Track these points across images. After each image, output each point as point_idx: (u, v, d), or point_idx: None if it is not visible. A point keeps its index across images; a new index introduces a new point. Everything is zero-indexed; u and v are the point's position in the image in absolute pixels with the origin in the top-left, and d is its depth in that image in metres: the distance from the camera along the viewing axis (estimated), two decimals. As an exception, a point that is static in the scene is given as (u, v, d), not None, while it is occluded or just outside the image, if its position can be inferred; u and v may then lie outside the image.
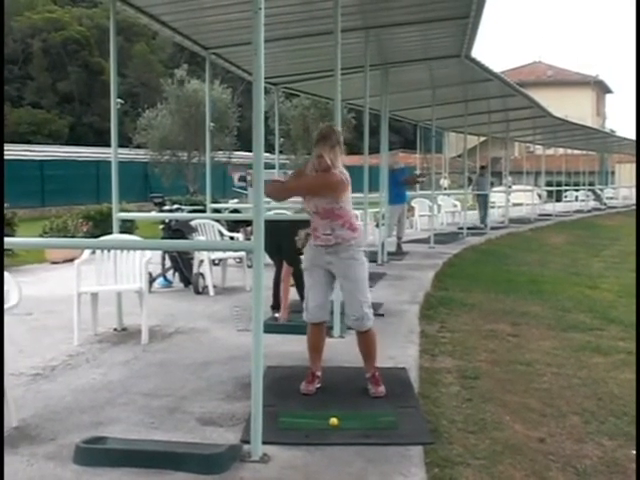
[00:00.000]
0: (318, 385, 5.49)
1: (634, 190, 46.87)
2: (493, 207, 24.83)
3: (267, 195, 5.23)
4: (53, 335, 7.42)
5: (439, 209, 22.30)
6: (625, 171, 51.84)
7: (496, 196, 26.19)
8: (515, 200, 29.83)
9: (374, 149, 15.14)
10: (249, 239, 10.24)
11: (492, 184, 23.93)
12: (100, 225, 14.85)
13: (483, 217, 21.78)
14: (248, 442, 4.27)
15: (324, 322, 5.69)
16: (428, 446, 4.45)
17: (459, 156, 34.29)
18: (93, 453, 4.24)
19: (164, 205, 11.45)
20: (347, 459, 4.21)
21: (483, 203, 21.97)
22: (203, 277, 10.03)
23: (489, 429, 4.87)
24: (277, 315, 8.03)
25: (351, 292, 5.46)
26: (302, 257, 5.70)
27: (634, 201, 43.80)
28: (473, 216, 22.09)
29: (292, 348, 6.65)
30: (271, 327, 6.79)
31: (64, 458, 4.21)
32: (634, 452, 4.65)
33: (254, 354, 4.25)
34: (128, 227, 14.59)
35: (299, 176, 5.66)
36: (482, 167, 23.22)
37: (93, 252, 7.53)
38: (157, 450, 4.28)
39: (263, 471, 4.05)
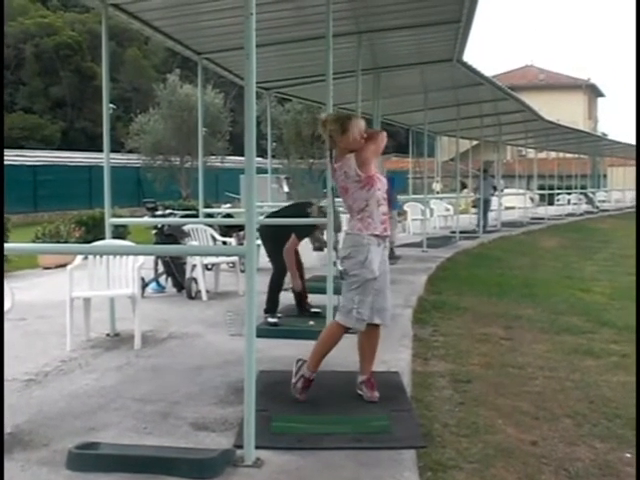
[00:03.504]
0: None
1: (626, 193, 47.15)
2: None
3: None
4: (46, 340, 7.41)
5: (432, 213, 22.34)
6: (617, 174, 52.04)
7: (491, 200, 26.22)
8: (508, 204, 29.88)
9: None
10: (242, 244, 10.24)
11: (495, 188, 23.77)
12: (93, 230, 14.83)
13: (485, 221, 21.74)
14: (241, 447, 4.27)
15: None
16: (421, 450, 4.45)
17: (451, 160, 34.38)
18: (86, 458, 4.23)
19: (156, 210, 11.44)
20: (340, 463, 4.21)
21: (485, 207, 21.89)
22: (196, 282, 10.03)
23: (482, 432, 4.88)
24: (274, 319, 8.09)
25: (388, 285, 5.48)
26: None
27: (627, 204, 44.07)
28: (465, 220, 22.12)
29: (285, 352, 6.66)
30: (264, 331, 6.79)
31: (57, 463, 4.21)
32: (627, 455, 4.67)
33: (247, 359, 4.25)
34: (121, 232, 14.58)
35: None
36: (484, 171, 23.16)
37: (85, 257, 7.52)
38: (150, 455, 4.28)
39: (256, 476, 4.05)
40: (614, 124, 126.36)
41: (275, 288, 8.30)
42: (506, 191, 31.16)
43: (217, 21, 9.24)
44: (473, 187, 23.18)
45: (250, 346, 4.23)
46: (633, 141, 41.10)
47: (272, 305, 8.19)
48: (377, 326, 5.51)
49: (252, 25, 4.17)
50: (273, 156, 20.45)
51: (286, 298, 8.66)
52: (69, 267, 7.29)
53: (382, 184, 5.43)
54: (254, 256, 4.24)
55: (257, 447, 4.24)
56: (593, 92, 69.71)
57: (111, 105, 7.96)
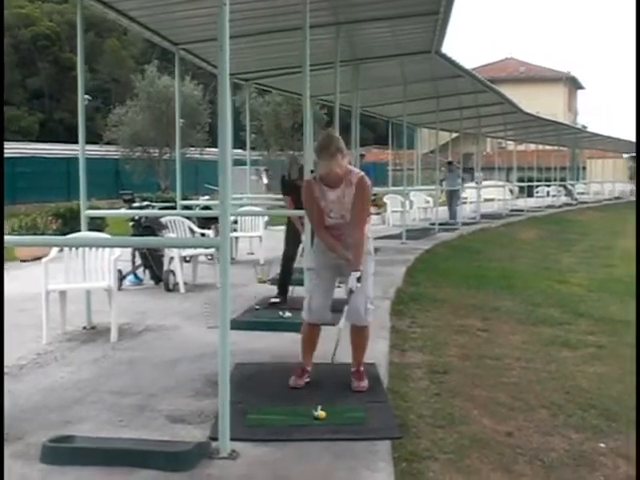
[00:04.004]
0: (307, 380, 5.51)
1: (605, 185, 47.45)
2: (465, 203, 24.94)
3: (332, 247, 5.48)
4: (22, 333, 7.32)
5: (411, 205, 22.37)
6: (596, 167, 52.34)
7: (468, 192, 26.32)
8: (487, 196, 29.98)
9: (346, 145, 15.18)
10: (220, 236, 10.21)
11: (463, 180, 23.98)
12: (70, 223, 14.72)
13: (452, 213, 21.88)
14: (216, 439, 4.26)
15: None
16: (396, 441, 4.46)
17: (432, 152, 34.47)
18: (60, 452, 4.21)
19: (133, 202, 11.39)
20: (315, 455, 4.22)
21: (452, 199, 22.04)
22: (174, 274, 9.99)
23: (457, 423, 4.89)
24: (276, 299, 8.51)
25: (361, 287, 5.40)
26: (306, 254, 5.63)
27: (605, 196, 44.33)
28: (445, 212, 22.19)
29: (262, 345, 6.69)
30: (239, 324, 6.79)
31: (32, 457, 4.19)
32: (602, 445, 4.71)
33: (221, 351, 4.24)
34: (98, 224, 14.47)
35: (311, 199, 5.46)
36: (449, 163, 23.27)
37: (61, 250, 7.47)
38: (125, 448, 4.26)
39: (231, 468, 4.05)
40: (594, 117, 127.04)
41: (283, 270, 8.69)
42: (485, 183, 31.25)
43: (193, 11, 9.21)
44: (439, 180, 23.33)
45: (224, 338, 4.23)
46: (612, 134, 41.48)
47: (280, 289, 8.61)
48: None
49: (225, 15, 4.15)
50: (253, 148, 20.40)
51: (267, 290, 8.66)
52: (44, 260, 7.24)
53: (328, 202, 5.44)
54: (228, 248, 4.22)
55: (232, 439, 4.24)
56: (573, 85, 69.94)
57: (87, 96, 7.91)
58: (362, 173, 5.44)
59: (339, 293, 5.73)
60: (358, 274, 5.27)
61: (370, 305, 5.54)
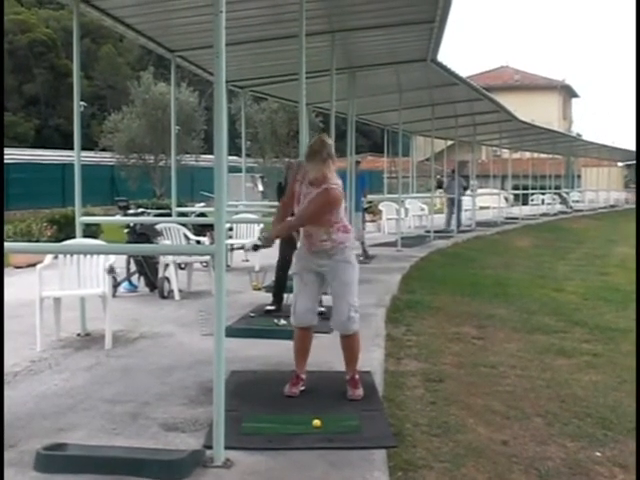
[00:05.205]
0: (302, 388, 5.49)
1: (600, 194, 47.49)
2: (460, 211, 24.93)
3: (276, 236, 5.77)
4: (16, 340, 7.28)
5: (406, 212, 22.37)
6: (591, 175, 52.42)
7: (463, 199, 26.29)
8: (482, 203, 29.97)
9: (342, 152, 15.17)
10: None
11: (465, 188, 23.91)
12: (65, 229, 14.69)
13: (449, 220, 21.89)
14: (211, 447, 4.24)
15: (312, 326, 5.66)
16: (391, 449, 4.45)
17: (427, 160, 34.51)
18: (54, 460, 4.19)
19: (128, 209, 11.37)
20: (310, 463, 4.19)
21: (453, 206, 22.04)
22: (168, 281, 9.96)
23: (452, 432, 4.88)
24: (271, 306, 8.54)
25: (341, 295, 5.44)
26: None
27: (600, 204, 44.38)
28: (440, 219, 22.21)
29: (257, 352, 6.66)
30: (234, 331, 6.77)
31: (25, 465, 4.16)
32: (598, 454, 4.70)
33: (216, 358, 4.22)
34: (93, 231, 14.46)
35: (293, 179, 5.58)
36: (453, 171, 23.29)
37: (56, 256, 7.45)
38: (118, 456, 4.24)
39: (225, 476, 4.03)
40: (588, 125, 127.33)
41: (278, 278, 8.69)
42: (480, 191, 31.25)
43: (190, 19, 9.21)
44: (443, 187, 23.32)
45: (219, 346, 4.21)
46: (607, 142, 41.54)
47: (275, 296, 8.63)
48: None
49: (221, 23, 4.14)
50: (248, 155, 20.38)
51: (262, 298, 8.64)
52: (38, 266, 7.21)
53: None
54: (223, 256, 4.21)
55: (227, 448, 4.22)
56: (568, 93, 70.08)
57: (82, 103, 7.89)
58: (334, 186, 5.36)
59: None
60: (257, 242, 5.65)
61: (354, 313, 5.50)
